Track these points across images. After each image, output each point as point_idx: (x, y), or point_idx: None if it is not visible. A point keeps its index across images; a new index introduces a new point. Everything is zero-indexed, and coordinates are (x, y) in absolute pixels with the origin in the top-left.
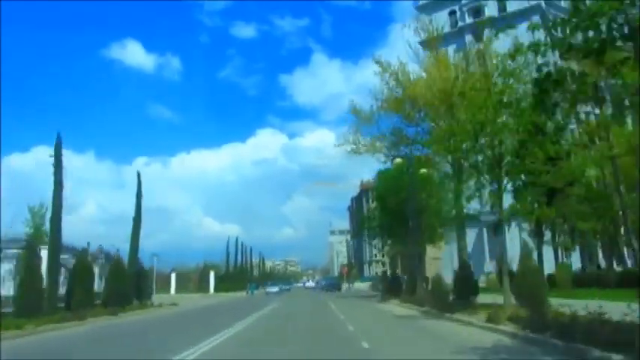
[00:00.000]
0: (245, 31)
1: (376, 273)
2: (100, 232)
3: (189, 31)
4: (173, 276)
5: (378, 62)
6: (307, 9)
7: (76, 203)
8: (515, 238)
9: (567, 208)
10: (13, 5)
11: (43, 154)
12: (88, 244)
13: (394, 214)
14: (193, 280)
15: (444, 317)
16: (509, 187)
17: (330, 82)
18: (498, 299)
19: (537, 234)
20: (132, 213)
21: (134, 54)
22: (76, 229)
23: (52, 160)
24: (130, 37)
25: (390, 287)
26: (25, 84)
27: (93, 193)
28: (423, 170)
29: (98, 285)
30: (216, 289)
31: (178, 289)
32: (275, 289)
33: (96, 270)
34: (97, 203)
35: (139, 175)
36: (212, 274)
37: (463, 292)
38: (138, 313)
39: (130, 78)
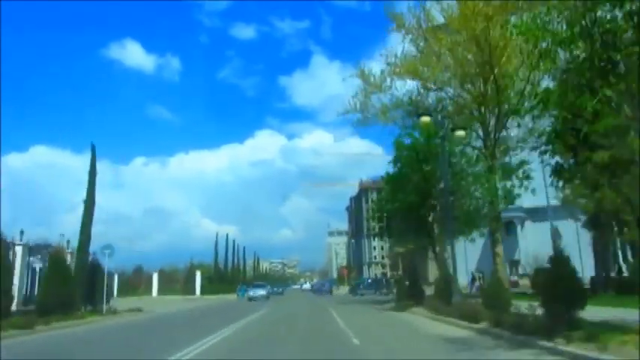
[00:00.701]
0: (245, 32)
1: (375, 275)
2: (99, 232)
3: (189, 31)
4: (155, 276)
5: (392, 15)
6: (307, 10)
7: (74, 203)
8: (528, 234)
9: (633, 191)
10: (13, 5)
11: (42, 154)
12: (22, 232)
13: (417, 194)
14: (180, 282)
15: (534, 346)
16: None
17: (330, 83)
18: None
19: (595, 225)
20: (131, 213)
21: (134, 54)
22: (74, 229)
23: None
24: (130, 38)
25: (410, 293)
26: (25, 84)
27: None
28: (460, 133)
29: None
30: (203, 291)
31: (163, 291)
32: (261, 292)
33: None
34: (95, 203)
35: (93, 147)
36: (198, 275)
37: (561, 303)
38: (70, 325)
39: (130, 78)
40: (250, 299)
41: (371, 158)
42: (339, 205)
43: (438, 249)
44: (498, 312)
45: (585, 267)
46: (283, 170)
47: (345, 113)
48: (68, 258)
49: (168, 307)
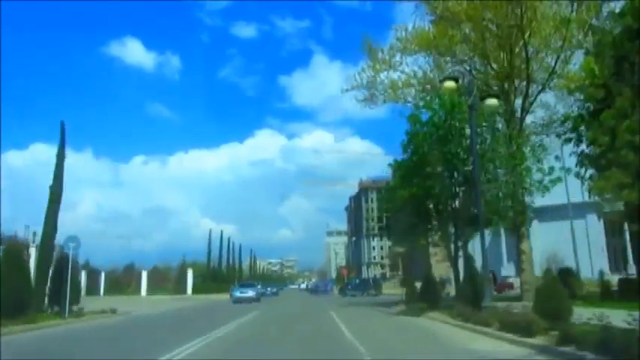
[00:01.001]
0: (246, 31)
1: (374, 275)
2: (98, 230)
3: (190, 30)
4: (144, 275)
5: None
6: (308, 10)
7: (73, 201)
8: (536, 235)
9: None
10: (13, 5)
11: (41, 151)
12: None
13: (436, 178)
14: (172, 280)
15: None
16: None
17: (330, 83)
18: None
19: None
20: (130, 211)
21: (134, 52)
22: (73, 227)
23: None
24: (130, 35)
25: (422, 295)
26: (25, 82)
27: (90, 190)
28: (492, 101)
29: None
30: (195, 291)
31: (153, 290)
32: (250, 293)
33: None
34: (94, 201)
35: (62, 125)
36: (190, 273)
37: None
38: (14, 331)
39: (130, 76)
40: (236, 302)
41: (371, 158)
42: (338, 205)
43: (457, 244)
44: (559, 322)
45: (596, 266)
46: (283, 170)
47: (351, 89)
48: (33, 252)
49: (150, 308)
